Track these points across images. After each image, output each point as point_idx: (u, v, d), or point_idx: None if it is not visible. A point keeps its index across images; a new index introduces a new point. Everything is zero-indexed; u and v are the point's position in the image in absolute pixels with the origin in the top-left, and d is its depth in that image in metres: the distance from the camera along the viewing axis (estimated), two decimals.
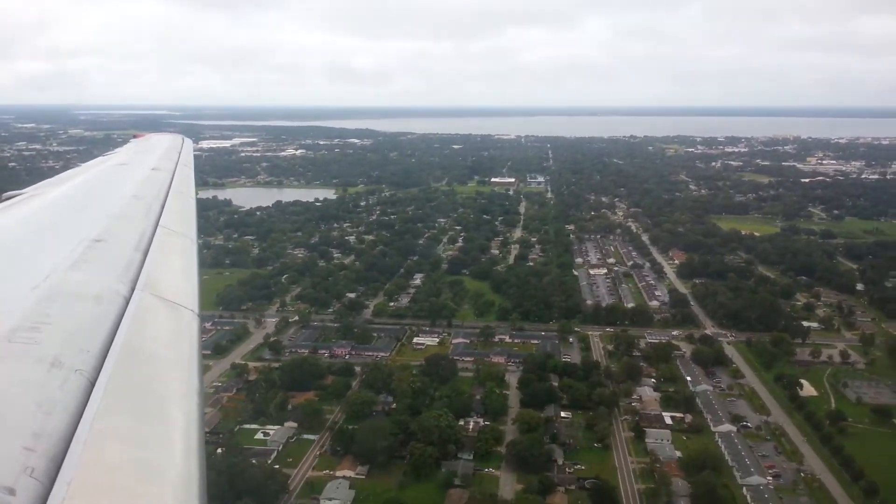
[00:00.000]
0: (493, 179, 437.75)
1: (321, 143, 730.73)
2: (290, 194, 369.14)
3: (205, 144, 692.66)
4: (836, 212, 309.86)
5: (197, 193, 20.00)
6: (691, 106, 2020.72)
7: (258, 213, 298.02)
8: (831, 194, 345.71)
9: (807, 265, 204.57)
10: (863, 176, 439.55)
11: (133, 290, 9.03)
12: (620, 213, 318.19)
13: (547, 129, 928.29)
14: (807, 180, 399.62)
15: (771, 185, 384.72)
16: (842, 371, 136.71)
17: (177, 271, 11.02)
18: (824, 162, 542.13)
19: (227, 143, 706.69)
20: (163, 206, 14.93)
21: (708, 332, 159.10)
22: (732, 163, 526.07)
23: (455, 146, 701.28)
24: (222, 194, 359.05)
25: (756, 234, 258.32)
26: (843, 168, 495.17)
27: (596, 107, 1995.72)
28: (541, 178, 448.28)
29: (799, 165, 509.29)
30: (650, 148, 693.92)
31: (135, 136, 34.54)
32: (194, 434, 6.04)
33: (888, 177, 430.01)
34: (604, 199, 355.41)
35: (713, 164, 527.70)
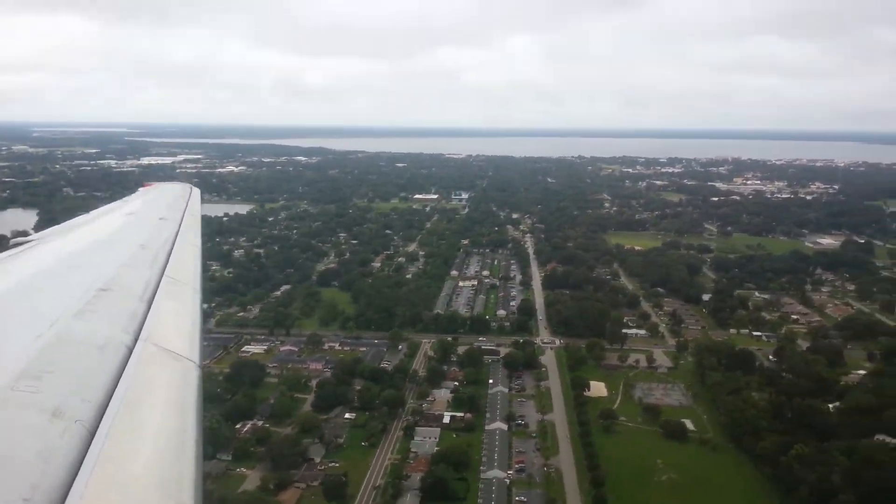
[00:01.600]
0: (416, 196, 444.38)
1: (266, 160, 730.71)
2: (203, 209, 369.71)
3: (145, 161, 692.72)
4: (728, 228, 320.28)
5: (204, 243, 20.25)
6: (647, 129, 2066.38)
7: None
8: (731, 212, 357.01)
9: (664, 277, 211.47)
10: (776, 195, 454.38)
11: (136, 340, 9.07)
12: (524, 228, 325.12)
13: (499, 149, 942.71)
14: (716, 199, 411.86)
15: (680, 204, 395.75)
16: (642, 374, 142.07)
17: (179, 322, 10.94)
18: (748, 182, 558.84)
19: (168, 160, 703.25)
20: (168, 256, 14.94)
21: (538, 339, 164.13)
22: (657, 182, 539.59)
23: (399, 164, 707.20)
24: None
25: (637, 248, 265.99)
26: (763, 188, 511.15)
27: (552, 129, 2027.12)
28: (464, 195, 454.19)
29: (722, 185, 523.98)
30: (589, 168, 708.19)
31: (144, 185, 34.96)
32: (191, 486, 5.99)
33: (798, 196, 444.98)
34: (515, 215, 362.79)
35: (640, 183, 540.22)
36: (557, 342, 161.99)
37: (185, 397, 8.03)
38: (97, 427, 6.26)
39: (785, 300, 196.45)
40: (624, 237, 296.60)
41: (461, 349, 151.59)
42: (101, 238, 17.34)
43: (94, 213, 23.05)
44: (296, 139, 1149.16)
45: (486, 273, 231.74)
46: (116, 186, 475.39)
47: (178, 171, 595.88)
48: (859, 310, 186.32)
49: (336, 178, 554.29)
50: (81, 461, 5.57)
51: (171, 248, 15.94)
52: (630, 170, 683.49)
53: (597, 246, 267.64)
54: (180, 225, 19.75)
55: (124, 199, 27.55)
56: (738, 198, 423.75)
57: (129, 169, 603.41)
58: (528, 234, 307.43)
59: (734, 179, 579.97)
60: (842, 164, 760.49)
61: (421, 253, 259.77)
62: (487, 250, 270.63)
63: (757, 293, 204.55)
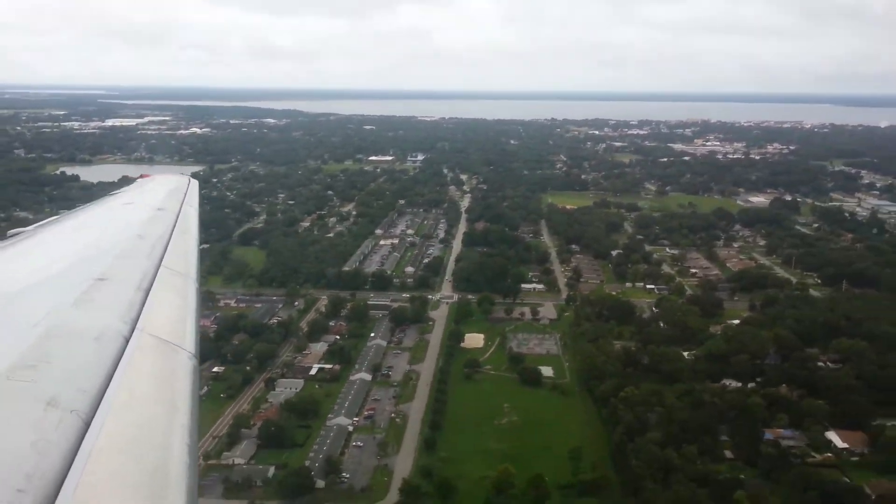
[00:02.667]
0: (370, 158, 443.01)
1: (233, 122, 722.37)
2: (151, 170, 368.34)
3: (109, 123, 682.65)
4: (667, 188, 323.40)
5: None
6: (624, 91, 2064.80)
7: (94, 188, 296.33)
8: (674, 172, 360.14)
9: (581, 234, 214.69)
10: (727, 155, 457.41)
11: (133, 330, 9.00)
12: (467, 188, 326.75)
13: (474, 112, 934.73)
14: (664, 159, 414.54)
15: (629, 164, 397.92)
16: (523, 326, 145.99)
17: (176, 312, 10.88)
18: (707, 143, 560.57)
19: (133, 122, 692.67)
20: (166, 247, 14.74)
21: (438, 294, 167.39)
22: (617, 143, 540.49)
23: (367, 126, 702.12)
24: (80, 170, 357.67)
25: (569, 206, 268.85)
26: (719, 148, 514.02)
27: (530, 92, 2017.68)
28: (420, 157, 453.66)
29: (681, 146, 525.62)
30: (557, 130, 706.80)
31: (142, 176, 33.96)
32: (186, 477, 6.00)
33: (749, 156, 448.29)
34: (464, 176, 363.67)
35: (601, 145, 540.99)
36: (457, 297, 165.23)
37: (181, 387, 8.00)
38: (93, 417, 6.26)
39: (692, 255, 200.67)
40: (562, 197, 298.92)
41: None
42: (99, 228, 17.24)
43: (91, 203, 22.87)
44: (272, 101, 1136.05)
45: (410, 232, 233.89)
46: (70, 148, 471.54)
47: (139, 132, 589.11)
48: (760, 263, 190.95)
49: (298, 140, 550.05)
50: (76, 451, 5.59)
51: (169, 239, 15.68)
52: (597, 132, 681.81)
53: (529, 205, 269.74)
54: (178, 216, 19.45)
55: (122, 189, 27.59)
56: (687, 158, 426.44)
57: (91, 131, 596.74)
58: (469, 195, 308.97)
59: (695, 141, 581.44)
60: (808, 126, 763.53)
61: (354, 213, 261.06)
62: (422, 210, 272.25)
63: (668, 249, 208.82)
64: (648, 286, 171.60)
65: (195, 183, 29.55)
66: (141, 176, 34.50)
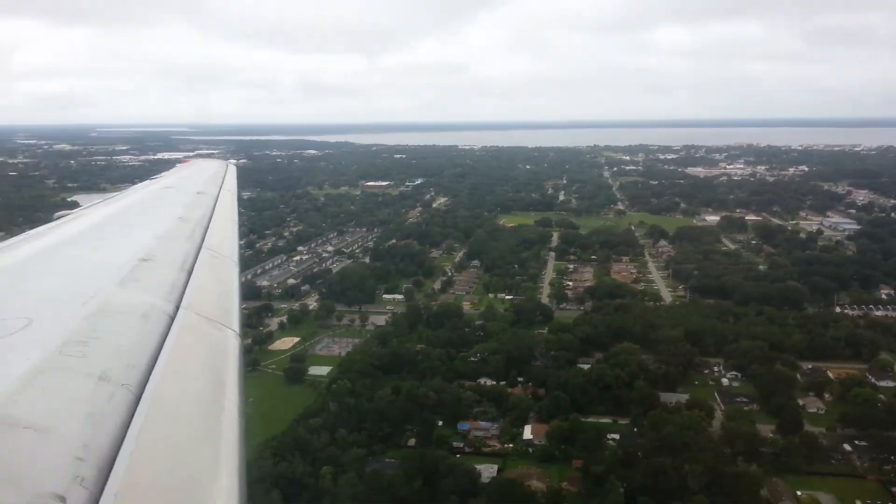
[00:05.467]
0: (367, 183, 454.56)
1: (273, 153, 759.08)
2: None
3: (158, 156, 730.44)
4: (633, 208, 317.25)
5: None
6: (686, 119, 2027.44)
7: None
8: (650, 193, 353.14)
9: (484, 249, 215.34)
10: (732, 177, 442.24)
11: (178, 308, 9.04)
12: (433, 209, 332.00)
13: (518, 141, 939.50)
14: (654, 182, 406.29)
15: (620, 187, 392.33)
16: (348, 331, 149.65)
17: (219, 292, 10.91)
18: (729, 167, 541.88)
19: (180, 155, 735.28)
20: (206, 229, 15.13)
21: (298, 303, 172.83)
22: (629, 167, 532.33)
23: (398, 155, 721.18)
24: (81, 197, 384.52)
25: (510, 225, 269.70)
26: (739, 171, 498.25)
27: (585, 121, 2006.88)
28: (418, 181, 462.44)
29: (700, 169, 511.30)
30: (589, 155, 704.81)
31: (181, 162, 36.57)
32: (235, 450, 6.04)
33: (756, 177, 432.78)
34: (442, 198, 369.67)
35: (613, 168, 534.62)
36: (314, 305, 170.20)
37: (227, 364, 8.01)
38: (142, 391, 6.33)
39: (585, 269, 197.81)
40: (515, 217, 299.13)
41: None
42: (141, 211, 17.87)
43: (133, 187, 24.16)
44: (330, 136, 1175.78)
45: (330, 249, 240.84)
46: (99, 178, 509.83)
47: (176, 164, 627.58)
48: (643, 276, 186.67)
49: (317, 168, 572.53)
50: (129, 423, 5.66)
51: (209, 222, 16.05)
52: (627, 157, 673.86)
53: (465, 224, 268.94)
54: (217, 199, 19.90)
55: (161, 174, 28.70)
56: (682, 181, 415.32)
57: (135, 163, 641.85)
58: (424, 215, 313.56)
59: (720, 164, 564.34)
60: (859, 149, 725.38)
61: (295, 231, 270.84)
62: (364, 230, 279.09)
63: (570, 265, 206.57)
64: (507, 297, 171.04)
65: (233, 168, 30.15)
66: (181, 161, 37.90)
